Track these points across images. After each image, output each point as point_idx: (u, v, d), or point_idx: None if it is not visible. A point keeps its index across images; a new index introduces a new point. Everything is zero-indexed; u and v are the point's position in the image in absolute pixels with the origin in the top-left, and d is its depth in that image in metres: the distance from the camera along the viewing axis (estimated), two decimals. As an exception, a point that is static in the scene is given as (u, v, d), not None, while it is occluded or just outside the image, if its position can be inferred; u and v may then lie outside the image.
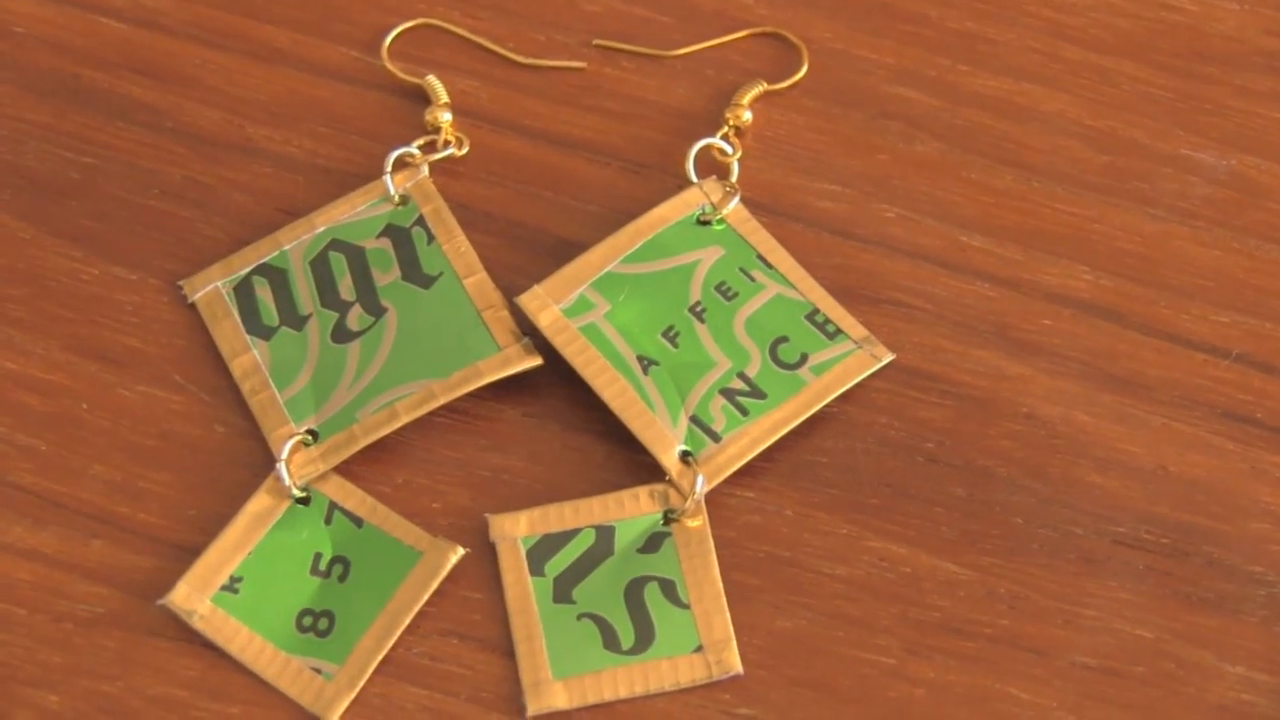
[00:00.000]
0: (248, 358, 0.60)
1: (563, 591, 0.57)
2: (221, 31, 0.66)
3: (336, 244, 0.62)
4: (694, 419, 0.59)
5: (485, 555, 0.58)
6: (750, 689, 0.56)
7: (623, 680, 0.56)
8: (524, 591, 0.57)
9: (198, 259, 0.62)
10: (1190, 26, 0.67)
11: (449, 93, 0.65)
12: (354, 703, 0.56)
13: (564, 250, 0.62)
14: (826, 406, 0.59)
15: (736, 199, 0.63)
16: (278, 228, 0.62)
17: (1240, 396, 0.61)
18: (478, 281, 0.61)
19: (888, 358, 0.60)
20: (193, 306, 0.61)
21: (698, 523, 0.58)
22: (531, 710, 0.56)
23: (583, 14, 0.67)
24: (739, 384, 0.59)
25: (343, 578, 0.57)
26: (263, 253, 0.62)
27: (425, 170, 0.63)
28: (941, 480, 0.59)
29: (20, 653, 0.56)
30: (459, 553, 0.57)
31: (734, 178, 0.63)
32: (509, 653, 0.57)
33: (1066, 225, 0.63)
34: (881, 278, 0.62)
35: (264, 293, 0.61)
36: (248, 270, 0.62)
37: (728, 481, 0.58)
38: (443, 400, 0.59)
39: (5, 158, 0.64)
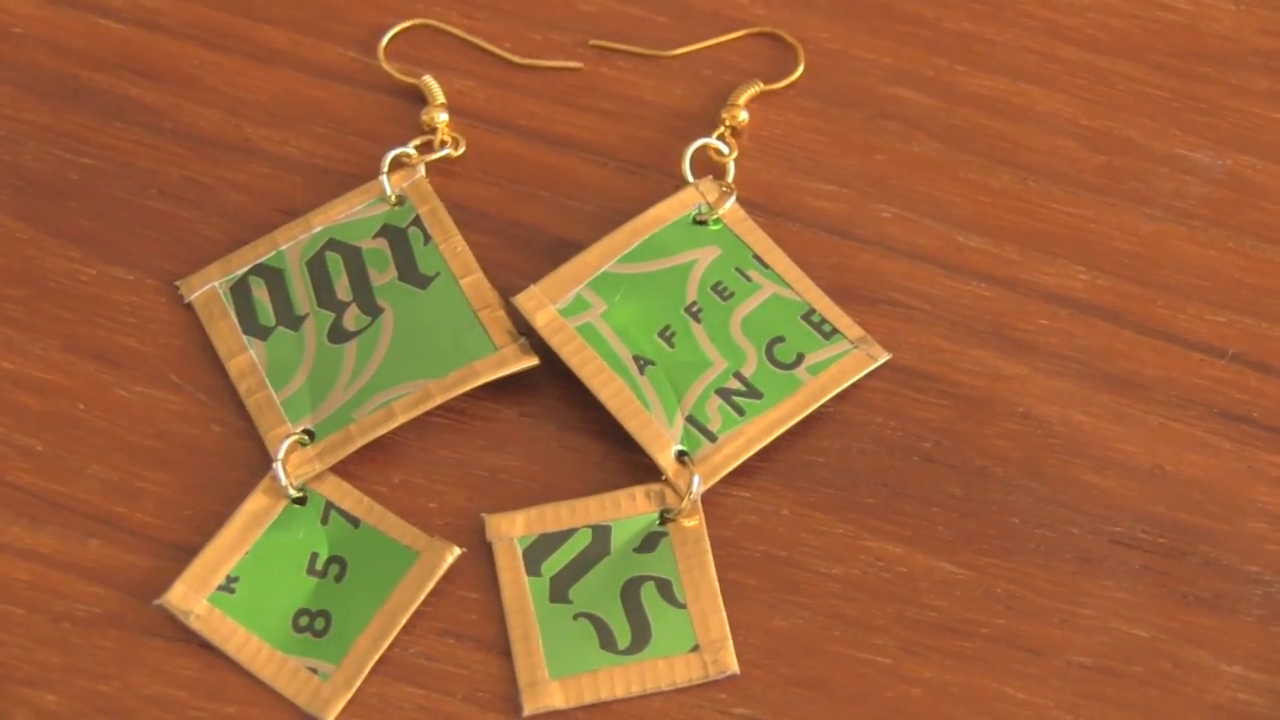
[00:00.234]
0: (244, 358, 0.60)
1: (559, 591, 0.57)
2: (220, 32, 0.66)
3: (333, 244, 0.62)
4: (690, 419, 0.59)
5: (482, 555, 0.58)
6: (747, 688, 0.56)
7: (619, 680, 0.56)
8: (520, 591, 0.57)
9: (195, 259, 0.62)
10: (1186, 26, 0.67)
11: (445, 93, 0.65)
12: (350, 703, 0.56)
13: (560, 250, 0.62)
14: (823, 406, 0.60)
15: (733, 199, 0.63)
16: (275, 228, 0.62)
17: (1236, 396, 0.61)
18: (474, 281, 0.61)
19: (884, 357, 0.60)
20: (190, 306, 0.61)
21: (694, 522, 0.58)
22: (528, 710, 0.56)
23: (579, 14, 0.67)
24: (735, 384, 0.59)
25: (339, 578, 0.57)
26: (260, 253, 0.62)
27: (422, 170, 0.63)
28: (938, 480, 0.59)
29: (18, 652, 0.56)
30: (455, 552, 0.57)
31: (730, 177, 0.63)
32: (505, 652, 0.57)
33: (1063, 225, 0.63)
34: (878, 278, 0.62)
35: (261, 293, 0.61)
36: (245, 270, 0.62)
37: (724, 481, 0.59)
38: (439, 400, 0.59)
39: (4, 158, 0.64)
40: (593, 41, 0.67)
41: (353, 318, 0.61)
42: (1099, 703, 0.56)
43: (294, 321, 0.61)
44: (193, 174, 0.64)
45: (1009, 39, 0.67)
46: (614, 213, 0.63)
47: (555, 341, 0.59)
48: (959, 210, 0.64)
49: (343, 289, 0.61)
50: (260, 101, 0.65)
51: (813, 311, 0.61)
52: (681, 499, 0.58)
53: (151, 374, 0.60)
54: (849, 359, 0.60)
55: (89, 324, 0.61)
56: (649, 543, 0.58)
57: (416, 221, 0.62)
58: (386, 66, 0.66)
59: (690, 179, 0.63)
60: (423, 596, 0.57)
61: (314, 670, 0.56)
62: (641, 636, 0.57)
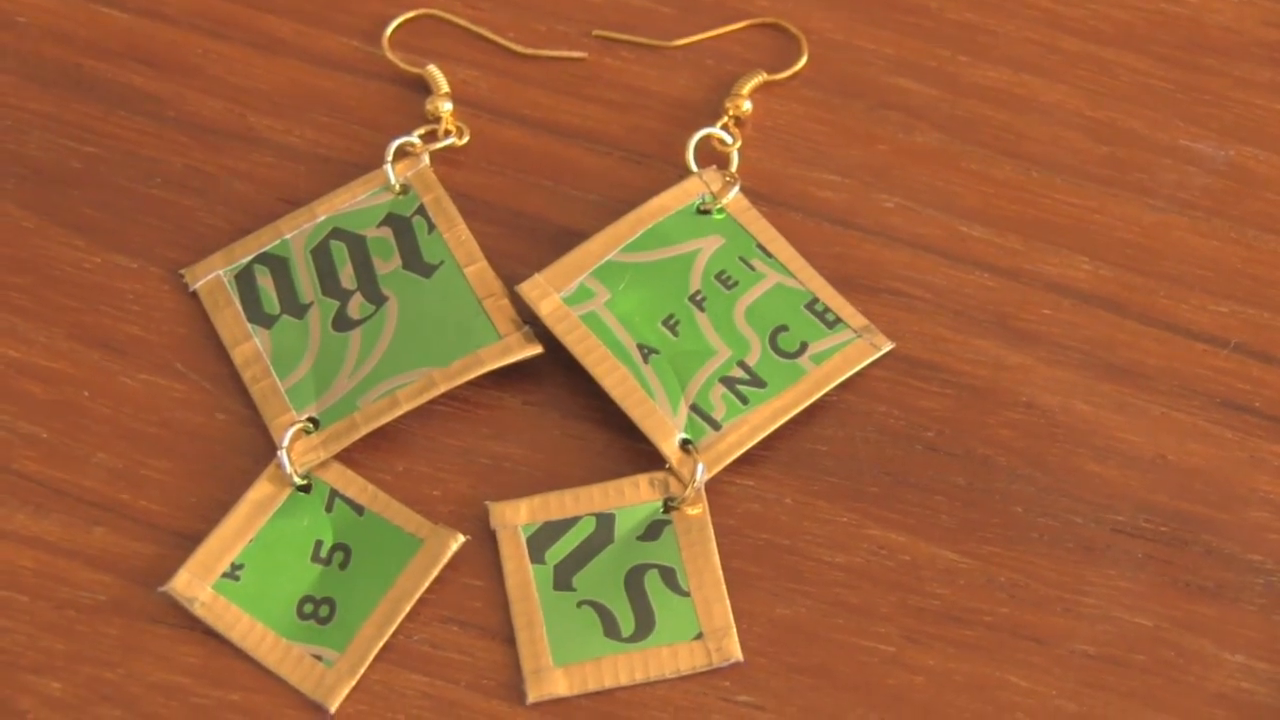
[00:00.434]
0: (249, 346, 0.60)
1: (563, 579, 0.57)
2: (223, 21, 0.67)
3: (338, 233, 0.62)
4: (694, 407, 0.59)
5: (486, 543, 0.58)
6: (750, 676, 0.56)
7: (623, 667, 0.56)
8: (524, 579, 0.57)
9: (199, 248, 0.62)
10: (1189, 18, 0.67)
11: (449, 82, 0.65)
12: (355, 690, 0.56)
13: (564, 239, 0.62)
14: (826, 395, 0.60)
15: (736, 188, 0.63)
16: (279, 217, 0.62)
17: (1239, 386, 0.61)
18: (478, 270, 0.61)
19: (887, 347, 0.60)
20: (194, 295, 0.62)
21: (698, 510, 0.58)
22: (532, 697, 0.56)
23: (583, 4, 0.67)
24: (739, 372, 0.60)
25: (344, 565, 0.58)
26: (264, 241, 0.62)
27: (426, 159, 0.63)
28: (941, 469, 0.59)
29: (23, 640, 0.56)
30: (459, 540, 0.58)
31: (734, 167, 0.63)
32: (509, 640, 0.57)
33: (1066, 215, 0.63)
34: (881, 267, 0.62)
35: (265, 281, 0.61)
36: (249, 259, 0.62)
37: (728, 470, 0.59)
38: (443, 388, 0.59)
39: (8, 147, 0.64)
40: (596, 32, 0.67)
41: (357, 306, 0.61)
42: (1102, 691, 0.56)
43: (298, 310, 0.61)
44: (197, 163, 0.64)
45: (1012, 30, 0.67)
46: (618, 202, 0.63)
47: (559, 330, 0.60)
48: (962, 200, 0.64)
49: (347, 277, 0.61)
50: (264, 91, 0.65)
51: (816, 301, 0.61)
52: (685, 487, 0.58)
53: (156, 362, 0.61)
54: (852, 348, 0.60)
55: (94, 312, 0.61)
56: (653, 531, 0.58)
57: (421, 210, 0.62)
58: (391, 56, 0.66)
59: (694, 168, 0.63)
60: (427, 584, 0.57)
61: (318, 657, 0.56)
62: (645, 624, 0.57)
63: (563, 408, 0.60)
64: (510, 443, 0.59)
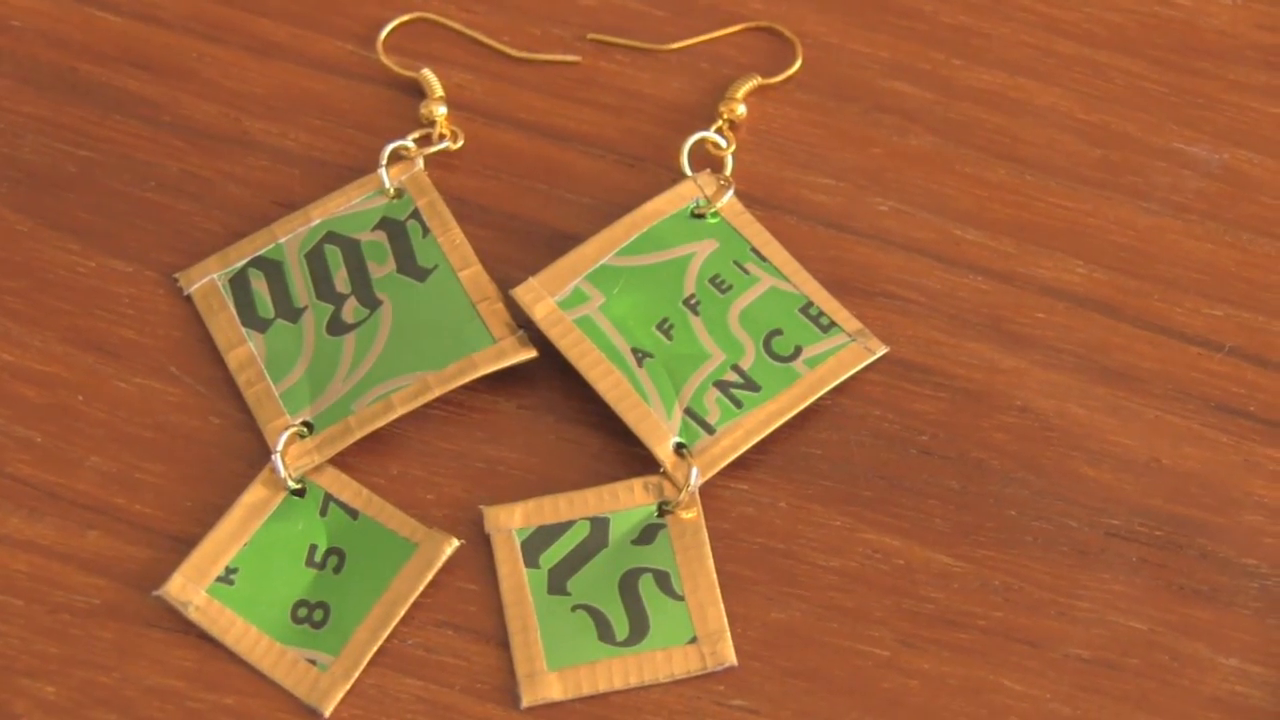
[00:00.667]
0: (243, 350, 0.60)
1: (557, 583, 0.57)
2: (218, 25, 0.67)
3: (332, 237, 0.62)
4: (688, 411, 0.59)
5: (480, 547, 0.58)
6: (744, 680, 0.56)
7: (617, 671, 0.56)
8: (519, 583, 0.57)
9: (194, 251, 0.62)
10: (1183, 21, 0.67)
11: (444, 86, 0.65)
12: (349, 694, 0.56)
13: (559, 243, 0.62)
14: (820, 399, 0.60)
15: (731, 192, 0.63)
16: (274, 220, 0.63)
17: (1233, 389, 0.61)
18: (473, 274, 0.61)
19: (881, 350, 0.61)
20: (189, 299, 0.62)
21: (692, 515, 0.58)
22: (526, 701, 0.56)
23: (577, 8, 0.67)
24: (733, 376, 0.60)
25: (338, 569, 0.58)
26: (258, 245, 0.62)
27: (420, 163, 0.63)
28: (935, 472, 0.59)
29: (17, 643, 0.56)
30: (454, 544, 0.58)
31: (728, 171, 0.63)
32: (504, 644, 0.57)
33: (1060, 219, 0.63)
34: (875, 271, 0.62)
35: (260, 285, 0.61)
36: (243, 263, 0.62)
37: (722, 474, 0.59)
38: (438, 392, 0.59)
39: (3, 151, 0.64)
40: (591, 35, 0.67)
41: (351, 310, 0.61)
42: (1096, 695, 0.56)
43: (293, 314, 0.61)
44: (191, 167, 0.64)
45: (1006, 33, 0.67)
46: (612, 206, 0.63)
47: (554, 334, 0.60)
48: (956, 204, 0.64)
49: (341, 281, 0.61)
50: (259, 94, 0.65)
51: (810, 304, 0.61)
52: (679, 491, 0.58)
53: (150, 366, 0.61)
54: (847, 352, 0.60)
55: (88, 316, 0.61)
56: (647, 535, 0.58)
57: (415, 214, 0.62)
58: (385, 60, 0.66)
59: (688, 172, 0.63)
60: (421, 588, 0.57)
61: (313, 661, 0.56)
62: (639, 628, 0.57)
63: (557, 412, 0.60)
64: (505, 447, 0.59)
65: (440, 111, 0.64)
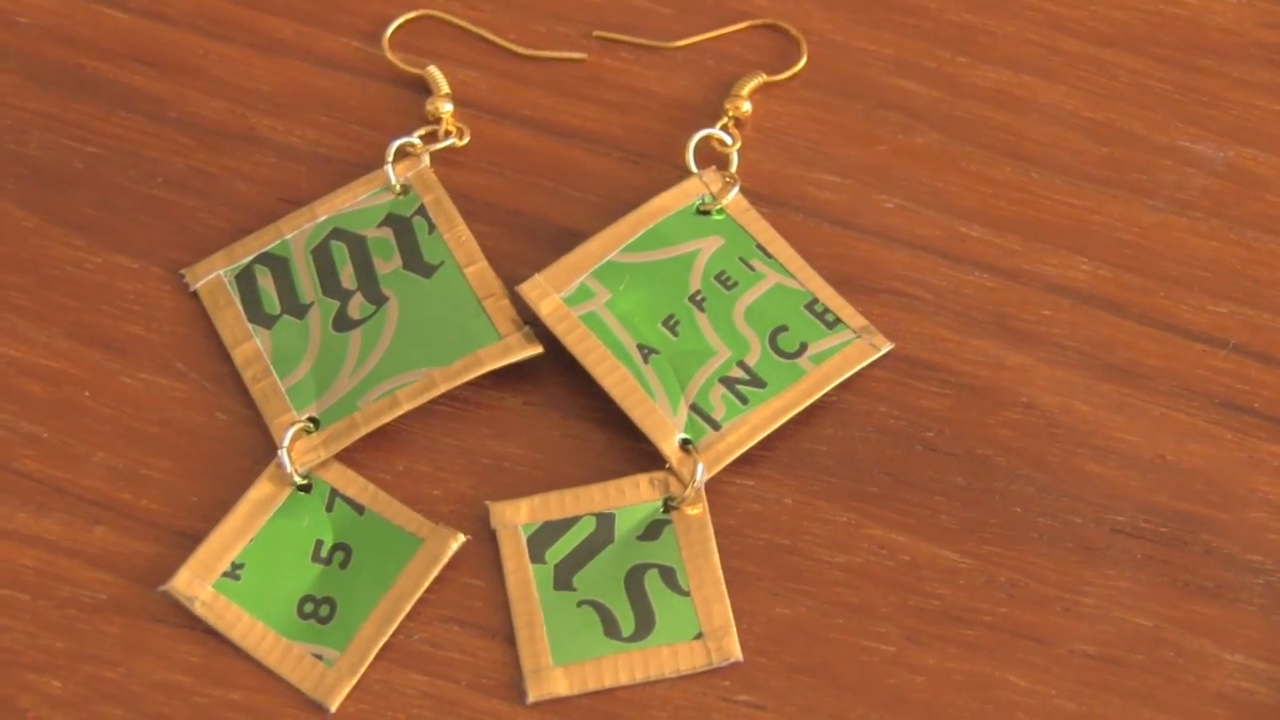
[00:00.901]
0: (249, 346, 0.60)
1: (563, 579, 0.58)
2: (224, 22, 0.67)
3: (338, 233, 0.62)
4: (694, 407, 0.59)
5: (486, 542, 0.58)
6: (750, 676, 0.57)
7: (623, 667, 0.56)
8: (525, 578, 0.57)
9: (200, 248, 0.62)
10: (1188, 19, 0.67)
11: (450, 83, 0.65)
12: (355, 689, 0.56)
13: (564, 239, 0.62)
14: (826, 395, 0.60)
15: (736, 189, 0.63)
16: (280, 217, 0.63)
17: (1238, 386, 0.61)
18: (478, 270, 0.61)
19: (887, 347, 0.61)
20: (195, 295, 0.62)
21: (698, 510, 0.58)
22: (532, 696, 0.56)
23: (583, 5, 0.67)
24: (739, 373, 0.60)
25: (344, 564, 0.58)
26: (265, 241, 0.62)
27: (426, 160, 0.63)
28: (941, 469, 0.59)
29: (23, 638, 0.56)
30: (460, 540, 0.58)
31: (734, 168, 0.64)
32: (510, 639, 0.57)
33: (1065, 216, 0.64)
34: (880, 267, 0.62)
35: (266, 281, 0.61)
36: (250, 259, 0.62)
37: (727, 469, 0.59)
38: (444, 388, 0.59)
39: (10, 147, 0.64)
40: (596, 33, 0.67)
41: (357, 306, 0.61)
42: (1101, 691, 0.56)
43: (299, 310, 0.61)
44: (198, 163, 0.64)
45: (1011, 31, 0.67)
46: (618, 203, 0.63)
47: (559, 330, 0.60)
48: (961, 201, 0.64)
49: (347, 277, 0.61)
50: (265, 91, 0.65)
51: (816, 301, 0.61)
52: (685, 487, 0.58)
53: (156, 361, 0.61)
54: (852, 348, 0.60)
55: (94, 312, 0.61)
56: (653, 530, 0.58)
57: (421, 211, 0.62)
58: (391, 57, 0.66)
59: (694, 169, 0.63)
60: (427, 583, 0.57)
61: (319, 657, 0.56)
62: (645, 624, 0.57)
63: (563, 408, 0.60)
64: (510, 442, 0.60)
65: (446, 108, 0.64)
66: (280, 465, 0.58)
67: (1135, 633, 0.57)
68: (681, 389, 0.59)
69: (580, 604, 0.57)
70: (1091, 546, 0.58)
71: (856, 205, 0.63)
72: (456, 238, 0.61)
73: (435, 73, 0.65)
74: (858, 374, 0.60)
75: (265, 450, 0.59)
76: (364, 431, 0.58)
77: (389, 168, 0.63)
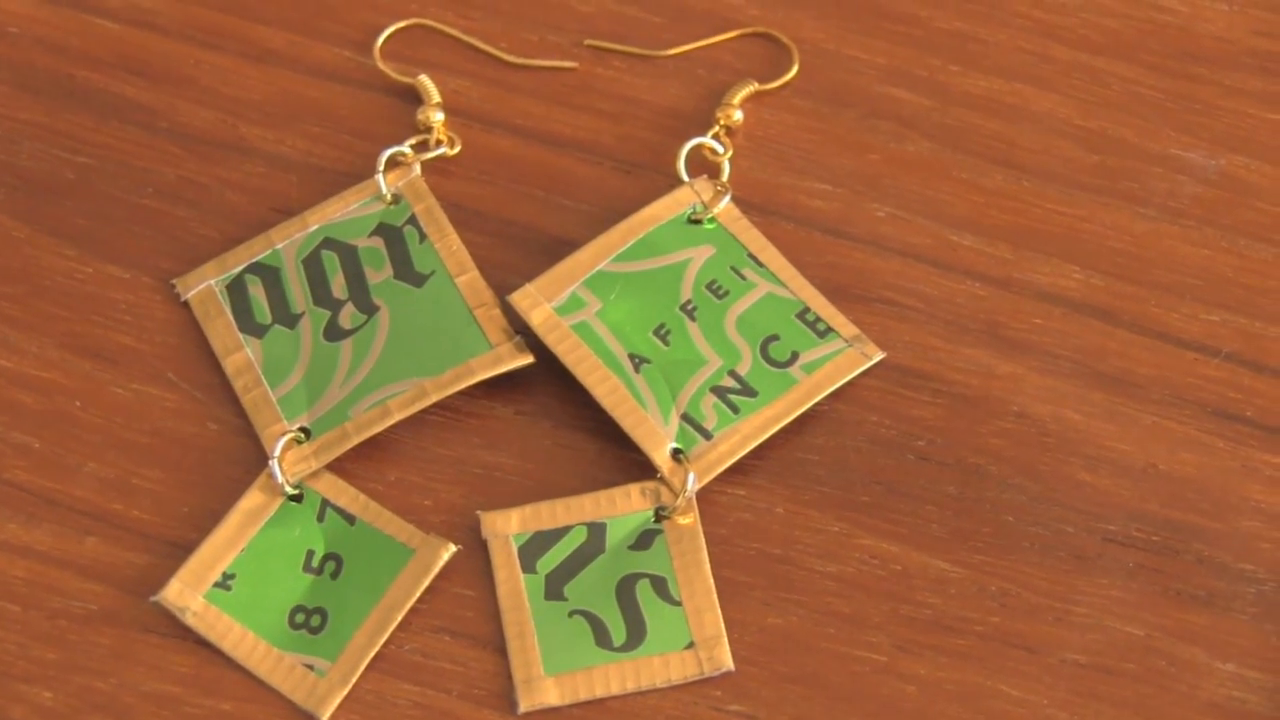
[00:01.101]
0: (240, 355, 0.60)
1: (554, 588, 0.57)
2: (215, 32, 0.67)
3: (329, 242, 0.62)
4: (685, 417, 0.59)
5: (477, 552, 0.58)
6: (741, 685, 0.56)
7: (614, 677, 0.56)
8: (516, 588, 0.57)
9: (191, 257, 0.62)
10: (1180, 27, 0.67)
11: (441, 92, 0.65)
12: (346, 699, 0.56)
13: (556, 249, 0.62)
14: (817, 404, 0.60)
15: (727, 198, 0.63)
16: (271, 226, 0.63)
17: (1230, 395, 0.61)
18: (469, 280, 0.61)
19: (878, 356, 0.61)
20: (186, 305, 0.62)
21: (689, 520, 0.58)
22: (523, 706, 0.56)
23: (574, 14, 0.67)
24: (730, 382, 0.60)
25: (335, 575, 0.58)
26: (255, 251, 0.62)
27: (417, 169, 0.63)
28: (932, 478, 0.59)
29: (14, 649, 0.56)
30: (451, 550, 0.58)
31: (725, 177, 0.63)
32: (501, 649, 0.57)
33: (1057, 224, 0.64)
34: (872, 276, 0.62)
35: (257, 291, 0.61)
36: (241, 268, 0.62)
37: (719, 479, 0.59)
38: (435, 398, 0.59)
39: (0, 157, 0.64)
40: (588, 41, 0.67)
41: (348, 316, 0.61)
42: (1093, 700, 0.56)
43: (290, 319, 0.61)
44: (188, 173, 0.64)
45: (1002, 39, 0.67)
46: (609, 212, 0.63)
47: (550, 339, 0.60)
48: (952, 209, 0.64)
49: (338, 287, 0.61)
50: (256, 101, 0.65)
51: (807, 310, 0.61)
52: (676, 496, 0.58)
53: (148, 372, 0.61)
54: (843, 357, 0.60)
55: (85, 322, 0.61)
56: (644, 540, 0.58)
57: (412, 220, 0.62)
58: (382, 66, 0.66)
59: (685, 178, 0.63)
60: (418, 593, 0.57)
61: (310, 667, 0.56)
62: (636, 633, 0.57)
63: (554, 417, 0.60)
64: (502, 452, 0.60)
65: (437, 117, 0.64)
66: (271, 475, 0.58)
67: (1127, 642, 0.57)
68: (673, 398, 0.59)
69: (571, 614, 0.57)
70: (1083, 555, 0.58)
71: (848, 214, 0.63)
72: (447, 247, 0.61)
73: (426, 82, 0.65)
74: (849, 383, 0.60)
75: (256, 460, 0.59)
76: (355, 441, 0.58)
77: (380, 177, 0.63)
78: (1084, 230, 0.63)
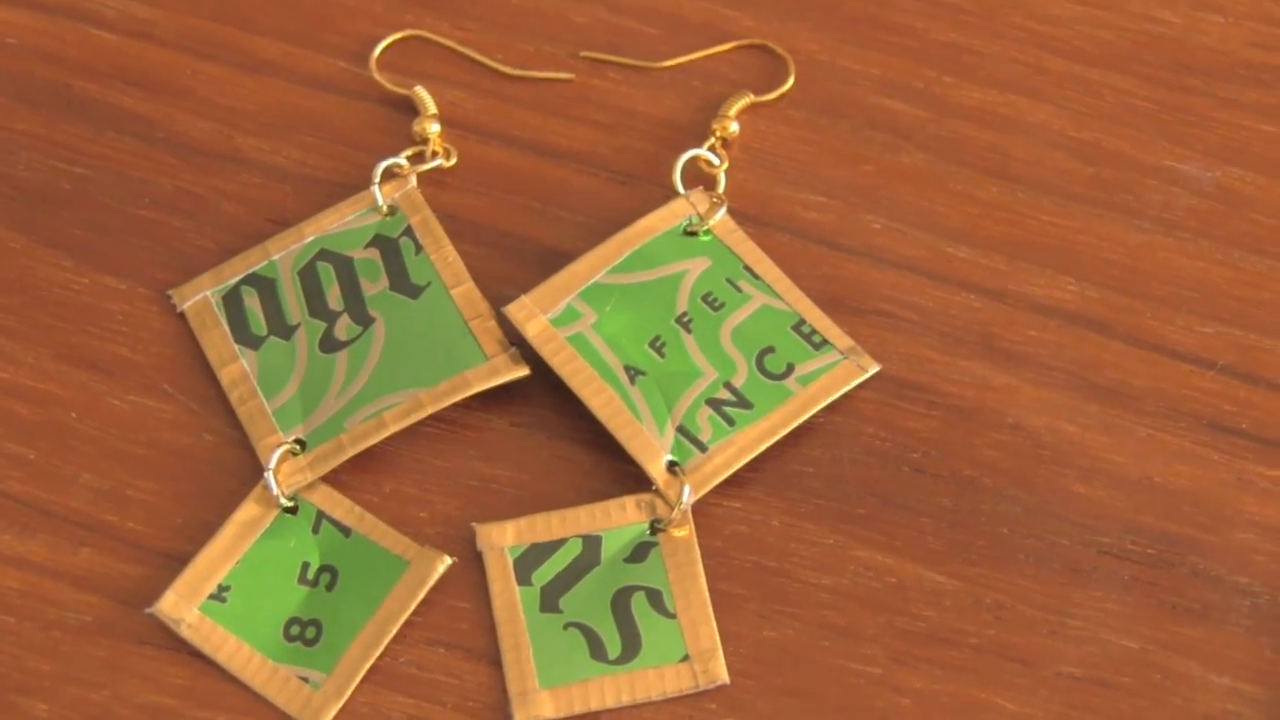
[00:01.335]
0: (236, 367, 0.60)
1: (550, 601, 0.57)
2: (212, 43, 0.67)
3: (325, 254, 0.62)
4: (681, 429, 0.59)
5: (472, 564, 0.58)
6: (736, 698, 0.56)
7: (609, 689, 0.56)
8: (511, 601, 0.57)
9: (187, 268, 0.62)
10: (1174, 39, 0.67)
11: (437, 104, 0.65)
12: (341, 711, 0.56)
13: (551, 260, 0.62)
14: (813, 417, 0.60)
15: (723, 210, 0.63)
16: (267, 237, 0.63)
17: (1225, 407, 0.61)
18: (465, 291, 0.61)
19: (874, 368, 0.61)
20: (182, 316, 0.62)
21: (684, 532, 0.58)
22: (518, 719, 0.56)
23: (570, 25, 0.67)
24: (726, 394, 0.60)
25: (330, 587, 0.58)
26: (252, 262, 0.62)
27: (413, 181, 0.63)
28: (928, 490, 0.59)
29: (9, 660, 0.56)
30: (446, 562, 0.58)
31: (721, 188, 0.64)
32: (496, 662, 0.57)
33: (1052, 236, 0.64)
34: (867, 288, 0.62)
35: (252, 302, 0.61)
36: (237, 280, 0.62)
37: (714, 491, 0.59)
38: (430, 410, 0.59)
39: (-4, 168, 0.64)
40: (584, 53, 0.67)
41: (344, 327, 0.61)
42: (1088, 713, 0.56)
43: (285, 331, 0.61)
44: (185, 184, 0.64)
45: (997, 50, 0.67)
46: (605, 223, 0.63)
47: (546, 351, 0.60)
48: (947, 221, 0.64)
49: (334, 298, 0.61)
50: (252, 112, 0.65)
51: (803, 322, 0.61)
52: (672, 509, 0.58)
53: (143, 383, 0.61)
54: (839, 369, 0.60)
55: (81, 333, 0.61)
56: (639, 553, 0.58)
57: (408, 231, 0.62)
58: (378, 77, 0.66)
59: (681, 190, 0.63)
60: (413, 606, 0.57)
61: (305, 679, 0.56)
62: (632, 646, 0.57)
63: (550, 429, 0.60)
64: (497, 464, 0.60)
65: (433, 129, 0.64)
66: (266, 487, 0.58)
67: (1122, 655, 0.57)
68: (668, 410, 0.59)
69: (566, 626, 0.57)
70: (1078, 568, 0.58)
71: (843, 226, 0.64)
72: (443, 258, 0.61)
73: (422, 93, 0.65)
74: (845, 395, 0.60)
75: (252, 472, 0.59)
76: (351, 453, 0.58)
77: (376, 188, 0.63)
78: (1079, 242, 0.63)
